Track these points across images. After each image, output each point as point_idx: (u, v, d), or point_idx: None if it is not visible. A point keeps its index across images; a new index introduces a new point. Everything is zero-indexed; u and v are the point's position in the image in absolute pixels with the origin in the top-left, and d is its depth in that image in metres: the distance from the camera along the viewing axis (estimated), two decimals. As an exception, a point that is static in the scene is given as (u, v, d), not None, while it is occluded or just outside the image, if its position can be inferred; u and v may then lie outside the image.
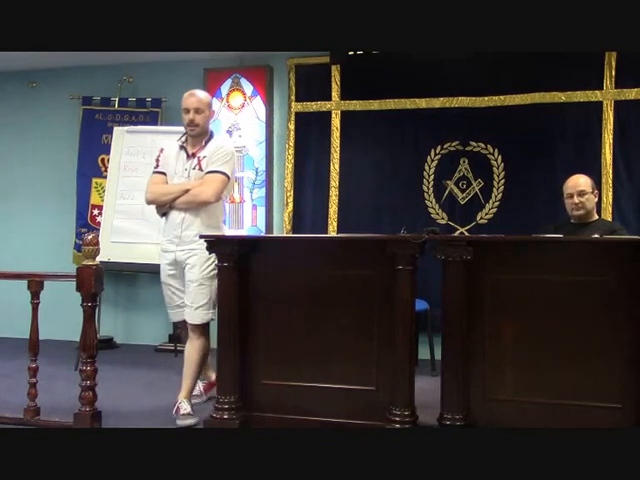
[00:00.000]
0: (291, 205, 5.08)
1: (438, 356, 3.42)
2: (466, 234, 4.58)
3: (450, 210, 4.79)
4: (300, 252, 3.03)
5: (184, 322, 3.27)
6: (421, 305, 4.05)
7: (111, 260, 4.57)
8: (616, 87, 4.50)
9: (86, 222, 5.23)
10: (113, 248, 4.64)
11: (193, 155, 3.25)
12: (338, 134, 5.01)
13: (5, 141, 5.74)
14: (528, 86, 4.61)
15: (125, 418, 3.19)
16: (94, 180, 5.27)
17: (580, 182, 3.57)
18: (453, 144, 4.78)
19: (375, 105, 4.93)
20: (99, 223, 5.01)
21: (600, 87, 4.53)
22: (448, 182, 4.79)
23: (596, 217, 3.65)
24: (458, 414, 2.70)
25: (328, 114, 5.04)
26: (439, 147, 4.81)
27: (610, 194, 4.46)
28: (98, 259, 2.98)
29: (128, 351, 5.07)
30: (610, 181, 4.46)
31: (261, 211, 5.17)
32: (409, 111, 4.86)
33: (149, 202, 3.33)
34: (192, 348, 3.20)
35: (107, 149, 5.10)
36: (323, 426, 2.83)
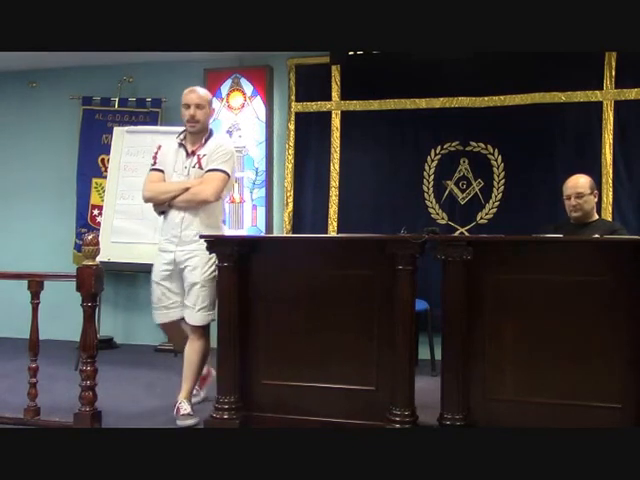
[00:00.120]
0: (291, 205, 5.08)
1: (438, 356, 3.43)
2: (466, 234, 4.58)
3: (450, 210, 4.79)
4: (300, 252, 3.03)
5: (170, 323, 3.26)
6: (421, 305, 4.05)
7: (111, 260, 4.56)
8: (616, 87, 4.50)
9: (86, 222, 5.24)
10: (113, 248, 4.64)
11: (193, 153, 3.23)
12: (338, 134, 5.01)
13: (5, 141, 5.74)
14: (528, 86, 4.61)
15: (125, 418, 3.18)
16: (94, 180, 5.28)
17: (578, 183, 3.55)
18: (453, 144, 4.78)
19: (375, 105, 4.93)
20: (99, 223, 5.01)
21: (600, 87, 4.53)
22: (448, 182, 4.79)
23: (596, 217, 3.65)
24: (458, 414, 2.69)
25: (328, 114, 5.04)
26: (439, 147, 4.81)
27: (610, 194, 4.46)
28: (98, 259, 2.98)
29: (128, 351, 5.07)
30: (610, 181, 4.46)
31: (261, 211, 5.17)
32: (409, 111, 4.86)
33: (147, 200, 3.28)
34: (192, 349, 3.19)
35: (107, 149, 5.10)
36: (323, 426, 2.83)
